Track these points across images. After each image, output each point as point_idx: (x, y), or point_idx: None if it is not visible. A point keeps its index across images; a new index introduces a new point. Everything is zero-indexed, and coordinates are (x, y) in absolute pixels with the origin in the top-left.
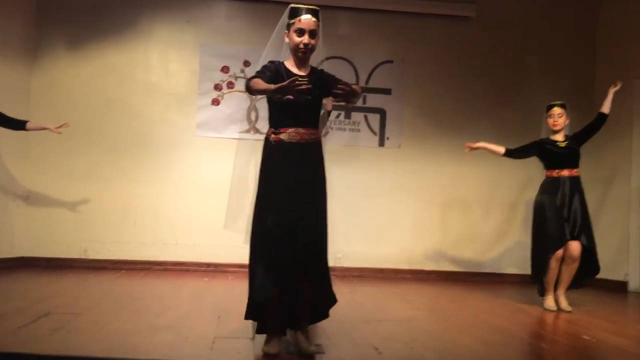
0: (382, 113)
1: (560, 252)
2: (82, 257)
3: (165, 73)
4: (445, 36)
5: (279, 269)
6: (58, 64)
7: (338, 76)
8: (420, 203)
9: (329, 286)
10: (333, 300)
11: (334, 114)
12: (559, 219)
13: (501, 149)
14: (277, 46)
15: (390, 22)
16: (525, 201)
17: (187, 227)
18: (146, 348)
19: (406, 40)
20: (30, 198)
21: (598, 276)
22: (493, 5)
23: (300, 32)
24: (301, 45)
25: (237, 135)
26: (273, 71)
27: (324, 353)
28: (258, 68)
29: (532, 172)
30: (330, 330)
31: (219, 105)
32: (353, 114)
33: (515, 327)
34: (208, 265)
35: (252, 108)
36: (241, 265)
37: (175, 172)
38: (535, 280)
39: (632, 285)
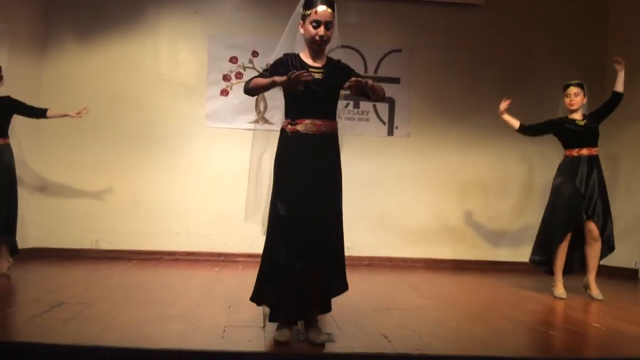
0: (390, 102)
1: (569, 235)
2: (94, 247)
3: (174, 64)
4: (454, 24)
5: (294, 260)
6: (67, 55)
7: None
8: (430, 192)
9: (344, 276)
10: (345, 288)
11: (342, 103)
12: (575, 201)
13: (516, 123)
14: (291, 38)
15: (398, 10)
16: (537, 188)
17: (197, 217)
18: (157, 337)
19: (415, 29)
20: (46, 189)
21: (609, 264)
22: None
23: (317, 23)
24: (317, 37)
25: (246, 126)
26: (285, 66)
27: (334, 342)
28: (271, 61)
29: (545, 158)
30: (339, 318)
31: (228, 96)
32: (362, 103)
33: (524, 315)
34: (219, 255)
35: (261, 98)
36: (251, 255)
37: (185, 162)
38: (535, 257)
39: None
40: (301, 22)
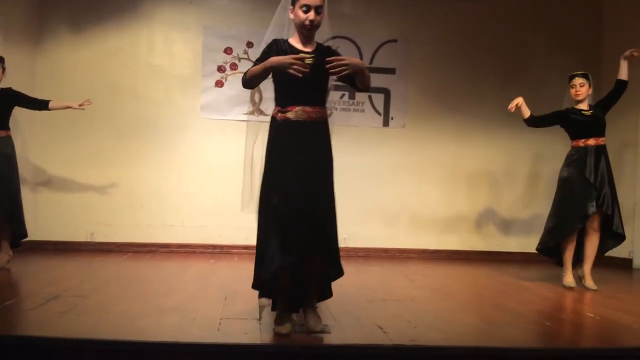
0: (386, 93)
1: (578, 226)
2: (89, 240)
3: (168, 55)
4: (450, 14)
5: (288, 248)
6: (61, 47)
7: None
8: (425, 183)
9: (338, 261)
10: (341, 273)
11: (338, 94)
12: (585, 192)
13: (527, 112)
14: (280, 23)
15: (393, 0)
16: (535, 180)
17: (192, 209)
18: (153, 330)
19: (410, 19)
20: (40, 181)
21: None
22: None
23: (307, 8)
24: (307, 22)
25: (241, 117)
26: (276, 52)
27: (329, 333)
28: (263, 47)
29: (545, 149)
30: (335, 309)
31: (223, 87)
32: (357, 94)
33: (519, 305)
34: (214, 247)
35: (256, 90)
36: (247, 247)
37: (180, 154)
38: (540, 247)
39: (637, 263)
40: (291, 7)
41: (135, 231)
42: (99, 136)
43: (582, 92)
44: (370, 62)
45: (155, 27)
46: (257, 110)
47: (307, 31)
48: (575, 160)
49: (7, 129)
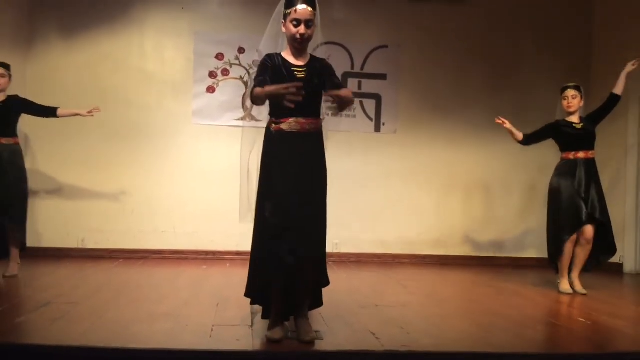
0: (377, 99)
1: (574, 235)
2: (80, 246)
3: (160, 60)
4: (440, 20)
5: (280, 257)
6: (52, 52)
7: (333, 62)
8: (417, 188)
9: (325, 271)
10: (326, 283)
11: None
12: (576, 201)
13: (519, 135)
14: (274, 37)
15: (384, 6)
16: (528, 186)
17: (184, 215)
18: (145, 337)
19: (401, 25)
20: (30, 187)
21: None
22: None
23: (297, 22)
24: (297, 36)
25: (233, 123)
26: (271, 68)
27: (322, 339)
28: (256, 57)
29: (534, 156)
30: (327, 315)
31: (215, 93)
32: None
33: (511, 310)
34: (206, 253)
35: (248, 95)
36: (238, 253)
37: (172, 160)
38: (553, 262)
39: (627, 267)
40: (283, 21)
41: (127, 237)
42: (90, 142)
43: (574, 104)
44: (362, 68)
45: (147, 32)
46: (248, 115)
47: (298, 44)
48: (565, 172)
49: (15, 136)
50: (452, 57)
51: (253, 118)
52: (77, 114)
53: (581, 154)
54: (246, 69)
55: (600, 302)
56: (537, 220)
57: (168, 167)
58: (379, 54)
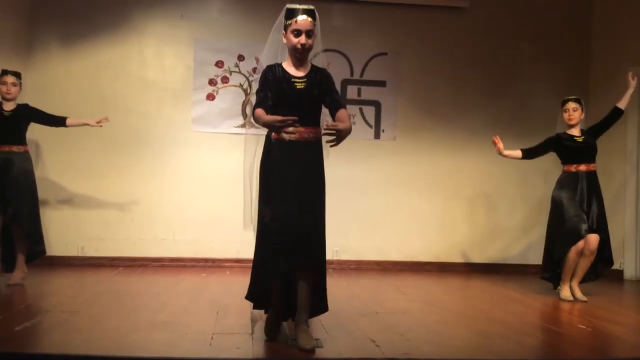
0: (377, 106)
1: (581, 243)
2: (80, 254)
3: (160, 68)
4: (439, 27)
5: (280, 261)
6: (52, 60)
7: (333, 69)
8: (417, 195)
9: (324, 280)
10: (325, 309)
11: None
12: (578, 213)
13: (518, 154)
14: (274, 47)
15: (383, 14)
16: (524, 192)
17: (184, 223)
18: (145, 345)
19: (400, 32)
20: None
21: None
22: None
23: (297, 32)
24: (298, 46)
25: (233, 130)
26: (272, 81)
27: (322, 347)
28: (257, 65)
29: (534, 162)
30: (327, 323)
31: (214, 100)
32: (348, 106)
33: (511, 317)
34: (206, 260)
35: (247, 103)
36: (238, 260)
37: (171, 168)
38: (545, 274)
39: (627, 274)
40: (284, 31)
41: (127, 245)
42: (89, 149)
43: (574, 116)
44: (361, 75)
45: (147, 40)
46: (248, 123)
47: (299, 54)
48: (566, 184)
49: (25, 144)
50: (451, 65)
51: (253, 125)
52: (85, 124)
53: (583, 167)
54: (246, 77)
55: (601, 309)
56: (539, 227)
57: (168, 175)
58: (378, 61)
